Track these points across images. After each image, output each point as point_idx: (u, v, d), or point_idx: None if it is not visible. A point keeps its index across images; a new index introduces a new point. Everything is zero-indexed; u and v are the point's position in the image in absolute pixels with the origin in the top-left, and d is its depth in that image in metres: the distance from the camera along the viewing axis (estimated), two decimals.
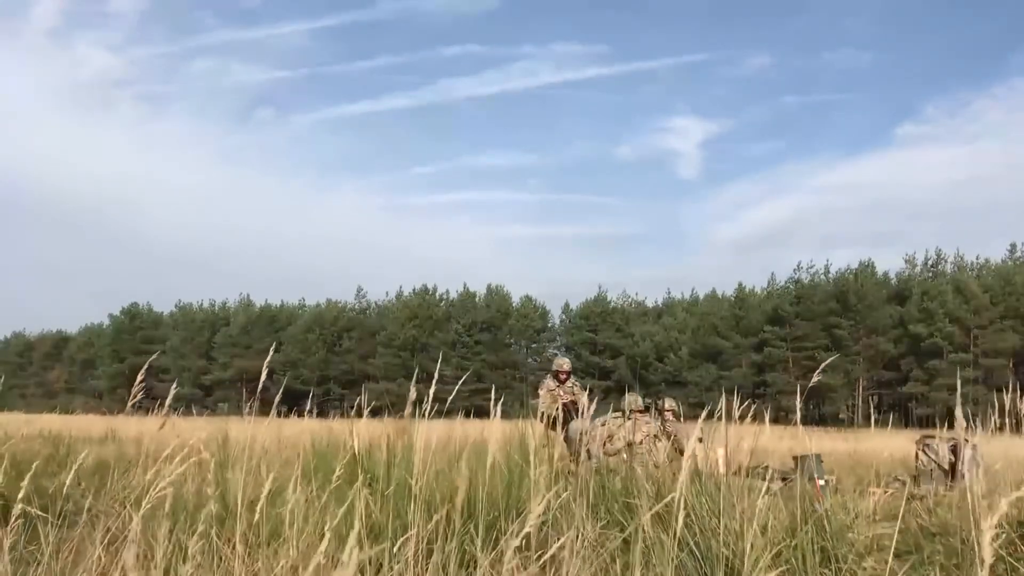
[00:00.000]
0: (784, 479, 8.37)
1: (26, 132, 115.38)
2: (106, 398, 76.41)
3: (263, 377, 3.80)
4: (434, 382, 3.66)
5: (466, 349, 69.71)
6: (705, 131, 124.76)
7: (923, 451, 8.60)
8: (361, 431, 4.63)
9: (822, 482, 7.67)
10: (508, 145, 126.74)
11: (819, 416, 59.77)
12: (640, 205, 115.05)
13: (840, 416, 59.10)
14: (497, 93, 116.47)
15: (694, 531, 3.34)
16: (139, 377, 4.16)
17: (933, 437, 8.82)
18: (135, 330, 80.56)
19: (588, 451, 8.54)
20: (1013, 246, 62.28)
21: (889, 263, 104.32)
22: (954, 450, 8.45)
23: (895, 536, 3.17)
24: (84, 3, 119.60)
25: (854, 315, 60.70)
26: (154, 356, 6.49)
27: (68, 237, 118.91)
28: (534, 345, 74.45)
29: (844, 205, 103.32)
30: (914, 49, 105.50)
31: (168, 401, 4.13)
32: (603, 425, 8.47)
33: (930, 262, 65.53)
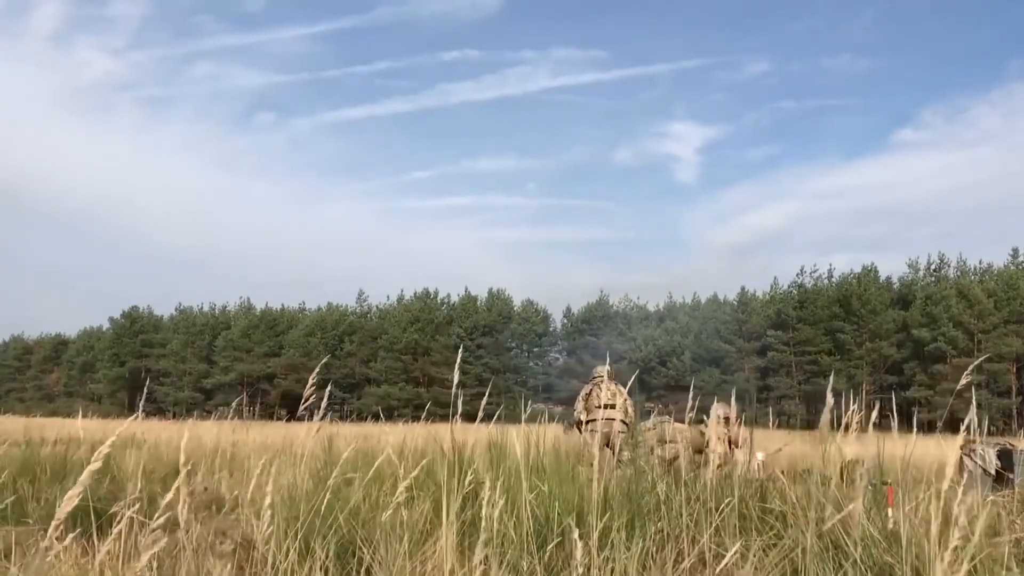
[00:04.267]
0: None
1: (26, 135, 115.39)
2: (105, 401, 76.27)
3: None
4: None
5: (467, 353, 69.52)
6: (703, 136, 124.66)
7: (969, 456, 8.35)
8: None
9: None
10: (506, 150, 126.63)
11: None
12: (638, 210, 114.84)
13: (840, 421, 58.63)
14: (495, 98, 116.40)
15: (866, 542, 3.26)
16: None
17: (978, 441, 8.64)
18: (135, 333, 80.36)
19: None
20: (1015, 251, 62.05)
21: (889, 267, 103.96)
22: (1000, 455, 8.22)
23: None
24: (85, 7, 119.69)
25: (857, 319, 60.48)
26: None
27: (68, 240, 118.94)
28: (536, 349, 74.21)
29: (842, 209, 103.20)
30: (912, 54, 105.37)
31: (323, 407, 3.94)
32: (653, 428, 8.69)
33: (933, 267, 65.35)
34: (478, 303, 73.99)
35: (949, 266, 64.77)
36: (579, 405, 8.83)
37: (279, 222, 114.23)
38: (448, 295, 75.46)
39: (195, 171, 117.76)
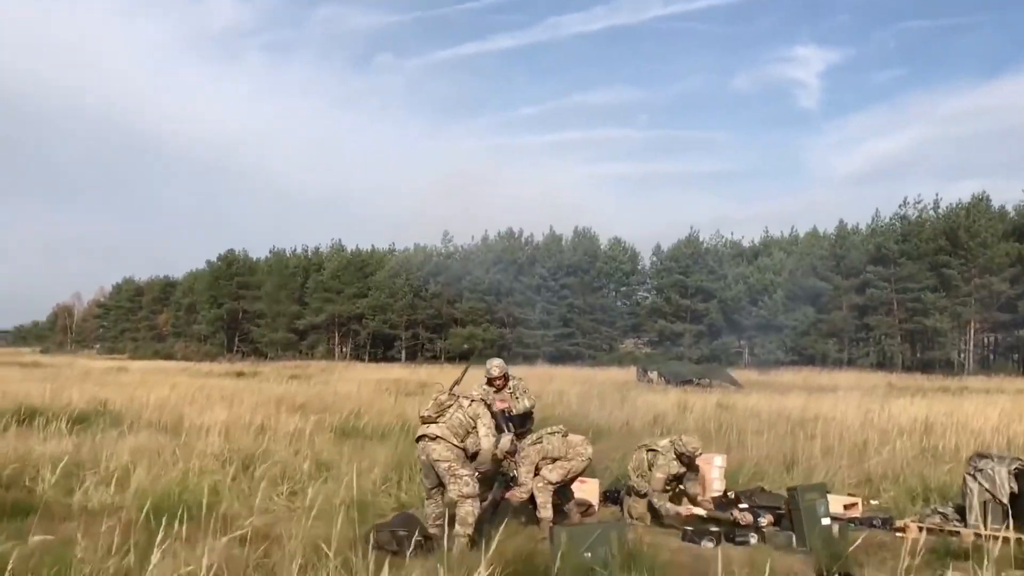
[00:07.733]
0: (775, 516, 7.02)
1: (160, 83, 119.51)
2: (208, 342, 80.00)
3: None
4: None
5: (551, 293, 69.07)
6: (826, 60, 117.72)
7: (973, 475, 6.62)
8: None
9: (827, 522, 6.65)
10: (617, 81, 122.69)
11: (924, 362, 56.70)
12: (754, 139, 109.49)
13: (950, 361, 55.90)
14: (605, 28, 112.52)
15: None
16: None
17: (989, 457, 6.80)
18: (231, 276, 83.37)
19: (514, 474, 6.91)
20: None
21: (1011, 196, 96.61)
22: (1018, 475, 6.52)
23: None
24: None
25: (965, 253, 56.72)
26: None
27: (198, 182, 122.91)
28: (623, 288, 73.13)
29: (972, 134, 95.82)
30: None
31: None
32: (538, 442, 7.03)
33: None
34: (563, 242, 73.14)
35: None
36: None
37: (392, 162, 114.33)
38: (531, 235, 74.92)
39: (317, 113, 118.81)
